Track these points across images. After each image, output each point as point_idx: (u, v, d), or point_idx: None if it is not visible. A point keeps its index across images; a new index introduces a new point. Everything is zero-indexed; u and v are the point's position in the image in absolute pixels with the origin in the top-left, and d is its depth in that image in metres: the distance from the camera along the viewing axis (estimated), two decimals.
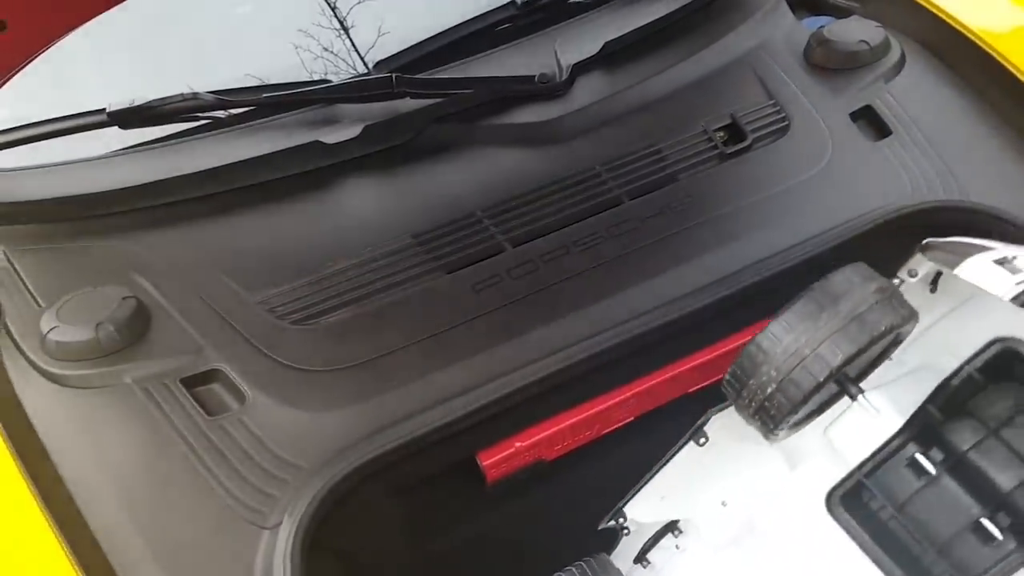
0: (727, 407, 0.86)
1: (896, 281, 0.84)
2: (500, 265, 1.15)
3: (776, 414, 0.72)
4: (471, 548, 1.25)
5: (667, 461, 0.91)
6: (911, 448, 0.72)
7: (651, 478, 0.91)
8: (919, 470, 0.72)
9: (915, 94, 1.33)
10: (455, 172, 1.28)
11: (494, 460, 1.10)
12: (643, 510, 0.93)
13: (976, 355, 0.73)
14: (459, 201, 1.22)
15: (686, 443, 0.91)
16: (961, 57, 1.36)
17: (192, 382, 1.05)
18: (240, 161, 1.22)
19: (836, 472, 0.74)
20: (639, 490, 0.92)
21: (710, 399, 1.27)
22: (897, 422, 0.73)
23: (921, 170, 1.23)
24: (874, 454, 0.73)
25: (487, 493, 1.12)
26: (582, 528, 1.37)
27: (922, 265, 0.85)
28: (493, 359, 1.07)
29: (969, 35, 1.36)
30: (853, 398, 0.74)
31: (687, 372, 1.19)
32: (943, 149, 1.25)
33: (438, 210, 1.21)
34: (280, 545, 0.91)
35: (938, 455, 0.72)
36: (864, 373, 0.76)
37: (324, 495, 0.95)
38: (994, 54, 1.31)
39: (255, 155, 1.22)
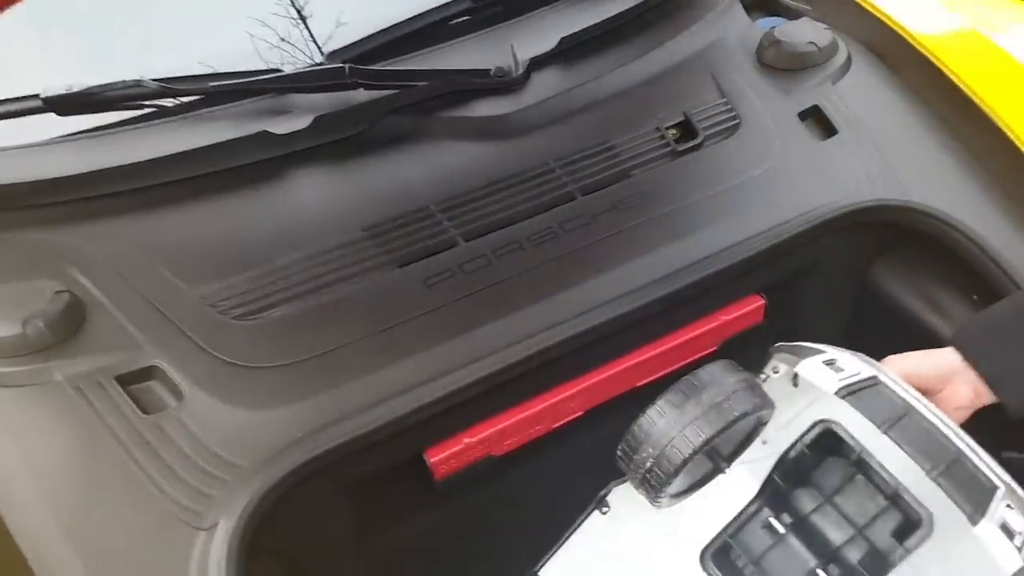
0: (626, 480, 0.96)
1: (762, 376, 1.00)
2: (452, 259, 1.14)
3: (656, 484, 0.87)
4: (421, 547, 1.24)
5: (573, 531, 1.02)
6: (766, 512, 0.87)
7: (560, 545, 1.02)
8: (771, 530, 0.86)
9: (860, 95, 1.35)
10: (408, 165, 1.26)
11: (442, 457, 1.08)
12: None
13: (804, 434, 0.89)
14: (412, 194, 1.21)
15: (590, 513, 1.01)
16: (903, 60, 1.39)
17: (128, 379, 1.01)
18: (185, 151, 1.18)
19: (707, 533, 0.87)
20: (551, 556, 1.02)
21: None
22: (752, 489, 0.87)
23: (865, 169, 1.25)
24: (737, 517, 0.87)
25: (436, 491, 1.11)
26: (533, 525, 1.37)
27: (782, 364, 1.00)
28: (443, 355, 1.05)
29: (910, 39, 1.39)
30: (722, 472, 0.89)
31: (635, 367, 1.19)
32: (886, 149, 1.28)
33: (390, 203, 1.20)
34: (216, 546, 0.88)
35: (787, 518, 0.87)
36: (736, 452, 0.90)
37: (264, 494, 0.92)
38: (933, 59, 1.35)
39: (200, 145, 1.19)
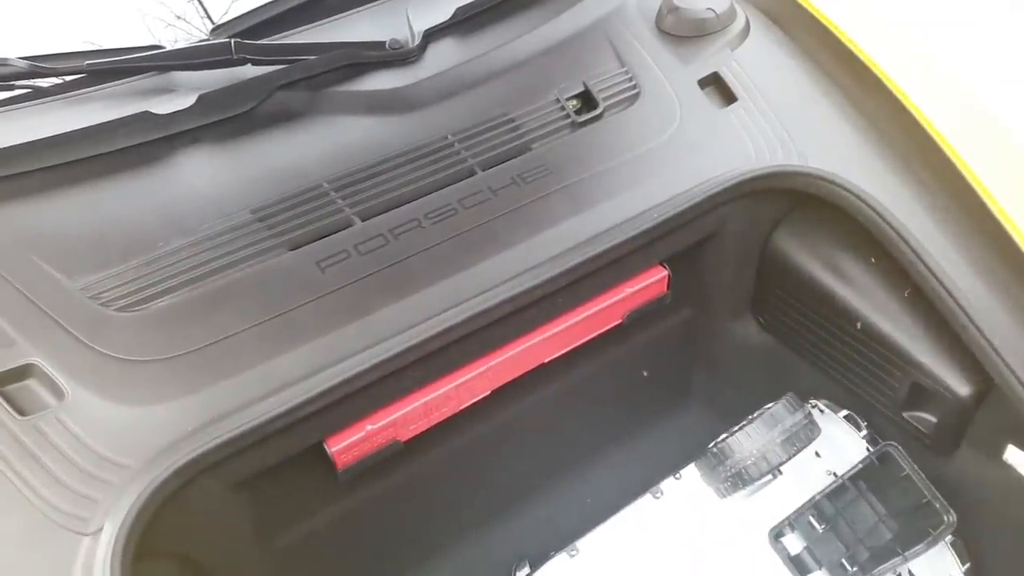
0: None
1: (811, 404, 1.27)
2: (347, 240, 1.10)
3: (739, 484, 1.17)
4: (328, 540, 1.21)
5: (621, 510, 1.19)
6: (812, 511, 1.16)
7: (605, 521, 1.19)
8: (814, 525, 1.15)
9: (759, 62, 1.36)
10: (300, 143, 1.21)
11: (343, 446, 1.05)
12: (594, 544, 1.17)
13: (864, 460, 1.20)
14: (304, 173, 1.16)
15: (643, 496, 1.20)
16: (800, 26, 1.40)
17: (2, 380, 0.95)
18: (60, 134, 1.11)
19: (771, 520, 1.16)
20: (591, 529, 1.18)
21: (566, 369, 1.29)
22: (805, 492, 1.18)
23: (764, 136, 1.26)
24: (793, 512, 1.16)
25: (339, 481, 1.08)
26: (444, 508, 1.36)
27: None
28: (339, 340, 1.02)
29: (807, 5, 1.40)
30: (777, 476, 1.19)
31: (542, 343, 1.18)
32: (784, 115, 1.29)
33: (281, 183, 1.15)
34: (101, 552, 0.84)
35: (828, 517, 1.16)
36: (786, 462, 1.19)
37: (151, 494, 0.88)
38: (829, 25, 1.36)
39: (78, 127, 1.12)
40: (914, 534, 1.12)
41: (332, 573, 1.25)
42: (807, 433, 1.16)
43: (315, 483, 1.12)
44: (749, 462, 1.14)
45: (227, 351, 1.00)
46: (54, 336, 0.99)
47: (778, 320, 1.41)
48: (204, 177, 1.16)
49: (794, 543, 1.13)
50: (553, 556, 1.17)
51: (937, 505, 1.12)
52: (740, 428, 1.18)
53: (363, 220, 1.12)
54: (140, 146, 1.16)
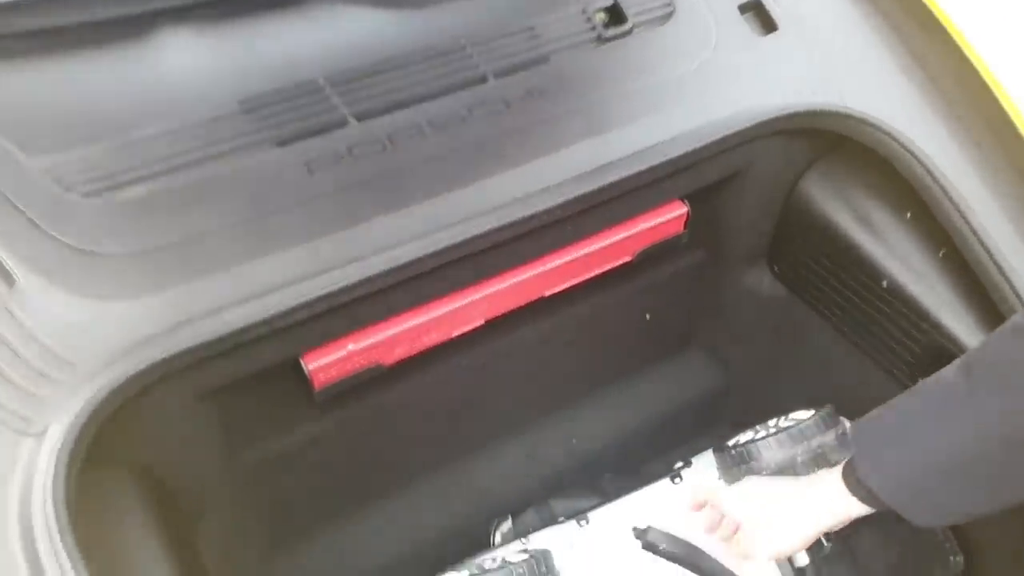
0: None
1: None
2: (341, 141, 0.99)
3: None
4: (301, 459, 1.14)
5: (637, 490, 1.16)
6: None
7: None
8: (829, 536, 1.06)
9: None
10: (298, 31, 1.09)
11: (321, 364, 0.97)
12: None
13: None
14: (299, 65, 1.04)
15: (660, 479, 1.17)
16: None
17: None
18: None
19: None
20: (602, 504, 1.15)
21: (565, 305, 1.20)
22: None
23: (804, 70, 1.15)
24: None
25: (316, 401, 1.00)
26: (426, 441, 1.29)
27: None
28: (325, 249, 0.92)
29: None
30: None
31: (544, 275, 1.09)
32: (828, 50, 1.18)
33: (273, 74, 1.03)
34: (44, 455, 0.76)
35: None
36: None
37: (104, 398, 0.80)
38: None
39: None
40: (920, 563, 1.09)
41: (302, 495, 1.19)
42: (836, 455, 1.06)
43: (289, 400, 1.04)
44: (767, 472, 1.06)
45: (200, 250, 0.91)
46: (7, 217, 0.89)
47: (795, 271, 1.33)
48: (189, 60, 1.04)
49: (800, 556, 1.07)
50: (562, 522, 1.12)
51: (947, 545, 1.10)
52: (768, 435, 1.10)
53: (360, 121, 1.01)
54: (120, 19, 1.04)
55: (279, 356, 0.95)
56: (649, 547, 1.05)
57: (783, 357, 1.41)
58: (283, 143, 0.99)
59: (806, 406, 1.16)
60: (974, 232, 1.02)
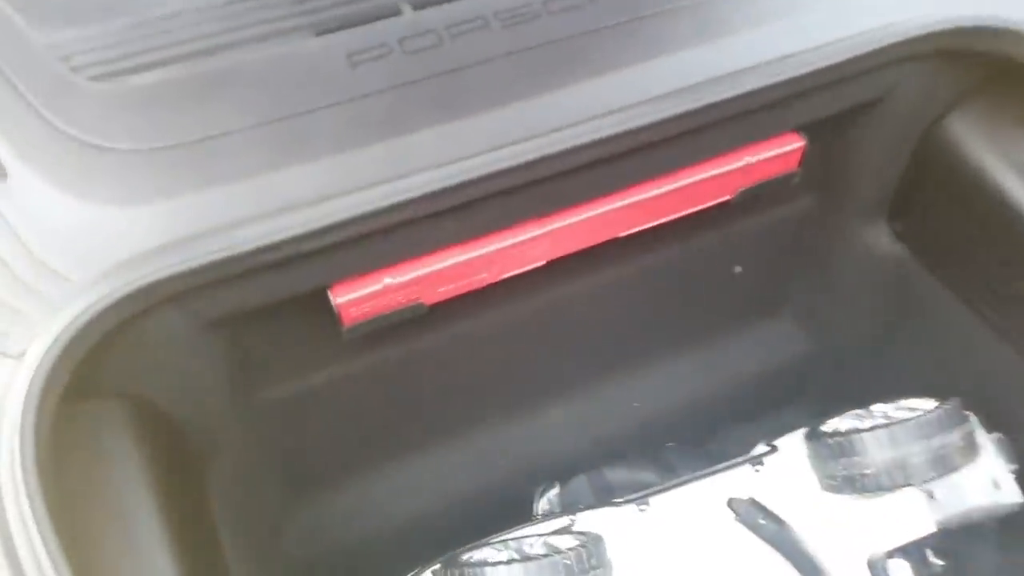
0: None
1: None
2: (391, 32, 0.83)
3: (860, 488, 0.93)
4: (323, 404, 1.00)
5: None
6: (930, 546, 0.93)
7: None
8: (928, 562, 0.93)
9: None
10: None
11: (353, 298, 0.82)
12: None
13: None
14: None
15: (738, 464, 1.01)
16: None
17: None
18: None
19: (884, 545, 0.93)
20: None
21: (642, 249, 1.02)
22: (929, 524, 0.92)
23: None
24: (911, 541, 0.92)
25: (343, 339, 0.86)
26: (466, 394, 1.13)
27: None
28: (364, 161, 0.77)
29: None
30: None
31: (622, 212, 0.91)
32: None
33: None
34: (22, 378, 0.64)
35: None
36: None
37: (95, 317, 0.68)
38: None
39: None
40: None
41: (325, 442, 1.07)
42: (961, 457, 0.90)
43: (315, 337, 0.90)
44: (872, 470, 0.90)
45: (220, 151, 0.77)
46: (4, 98, 0.76)
47: (922, 230, 1.12)
48: None
49: (901, 573, 0.91)
50: (621, 504, 0.98)
51: None
52: (876, 425, 0.93)
53: (415, 9, 0.84)
54: None
55: (304, 285, 0.81)
56: (747, 522, 0.93)
57: (895, 333, 1.21)
58: (323, 31, 0.83)
59: (920, 394, 0.97)
60: None
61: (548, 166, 0.80)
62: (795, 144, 0.96)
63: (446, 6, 0.85)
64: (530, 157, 0.78)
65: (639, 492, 1.02)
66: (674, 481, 1.00)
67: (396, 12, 0.84)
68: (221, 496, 0.89)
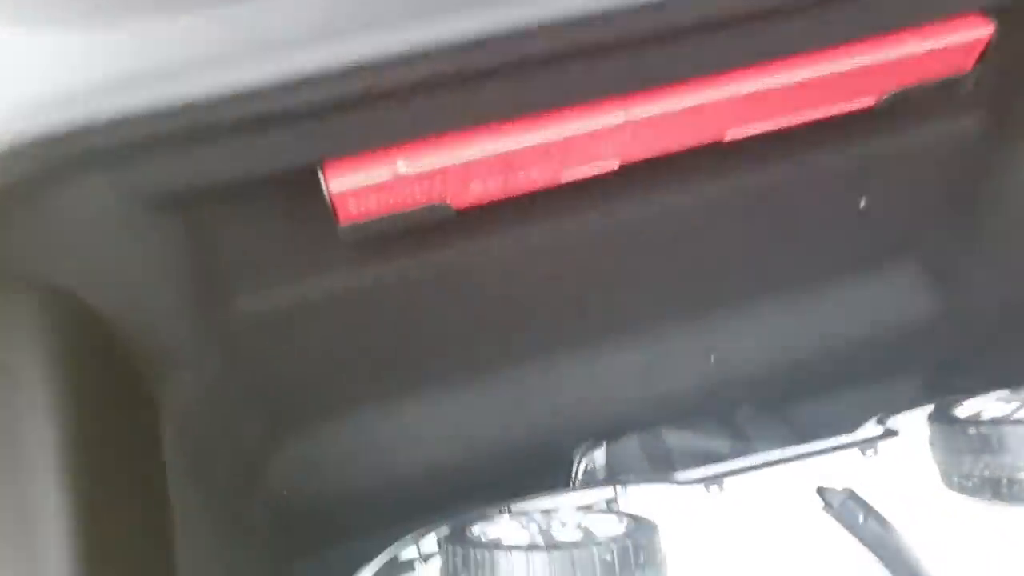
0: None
1: None
2: None
3: (1008, 496, 0.72)
4: (312, 320, 0.80)
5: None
6: None
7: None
8: None
9: None
10: None
11: (353, 187, 0.61)
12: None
13: None
14: None
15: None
16: None
17: None
18: None
19: None
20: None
21: (743, 161, 0.78)
22: None
23: None
24: None
25: (338, 241, 0.65)
26: (498, 328, 0.91)
27: None
28: None
29: None
30: None
31: (732, 103, 0.67)
32: None
33: None
34: None
35: None
36: None
37: None
38: None
39: None
40: None
41: (313, 369, 0.87)
42: None
43: (300, 235, 0.70)
44: None
45: None
46: None
47: None
48: None
49: None
50: (685, 483, 0.77)
51: None
52: None
53: None
54: None
55: (287, 160, 0.59)
56: (843, 520, 0.74)
57: None
58: None
59: None
60: None
61: (640, 22, 0.56)
62: (979, 32, 0.70)
63: None
64: (614, 4, 0.55)
65: (705, 466, 0.81)
66: (758, 459, 0.79)
67: None
68: (176, 430, 0.70)
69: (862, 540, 0.74)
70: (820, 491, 0.78)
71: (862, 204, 0.92)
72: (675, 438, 0.98)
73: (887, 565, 0.72)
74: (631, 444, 0.97)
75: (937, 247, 1.02)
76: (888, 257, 1.03)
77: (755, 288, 1.00)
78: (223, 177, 0.59)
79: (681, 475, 0.77)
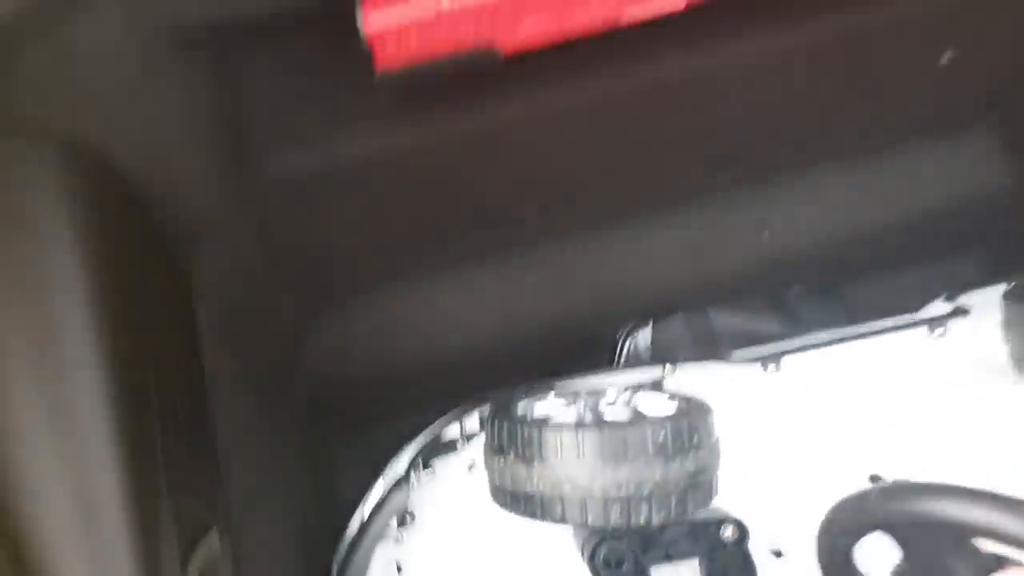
0: None
1: None
2: None
3: None
4: (348, 184, 0.74)
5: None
6: None
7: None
8: None
9: None
10: None
11: (392, 26, 0.54)
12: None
13: None
14: None
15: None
16: None
17: None
18: None
19: None
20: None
21: (815, 10, 0.69)
22: None
23: None
24: None
25: (377, 92, 0.58)
26: (543, 197, 0.84)
27: None
28: None
29: None
30: None
31: None
32: None
33: None
34: None
35: None
36: None
37: None
38: None
39: None
40: None
41: (349, 240, 0.81)
42: None
43: (333, 82, 0.63)
44: None
45: None
46: None
47: None
48: None
49: None
50: (740, 362, 0.73)
51: None
52: None
53: None
54: None
55: None
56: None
57: None
58: None
59: None
60: None
61: None
62: None
63: None
64: None
65: (759, 345, 0.77)
66: (818, 338, 0.74)
67: None
68: (209, 303, 0.66)
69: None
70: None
71: (944, 59, 0.82)
72: (723, 319, 0.93)
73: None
74: (677, 324, 0.92)
75: (1018, 113, 0.92)
76: (964, 123, 0.95)
77: (814, 155, 0.92)
78: (251, 9, 0.51)
79: (736, 353, 0.73)
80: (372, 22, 0.53)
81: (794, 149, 0.89)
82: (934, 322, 0.74)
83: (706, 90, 0.76)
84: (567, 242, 0.90)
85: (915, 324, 0.74)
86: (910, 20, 0.77)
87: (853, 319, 0.86)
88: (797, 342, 0.74)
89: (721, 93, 0.77)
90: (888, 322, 0.75)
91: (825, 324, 0.88)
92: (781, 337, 0.82)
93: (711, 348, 0.91)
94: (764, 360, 0.72)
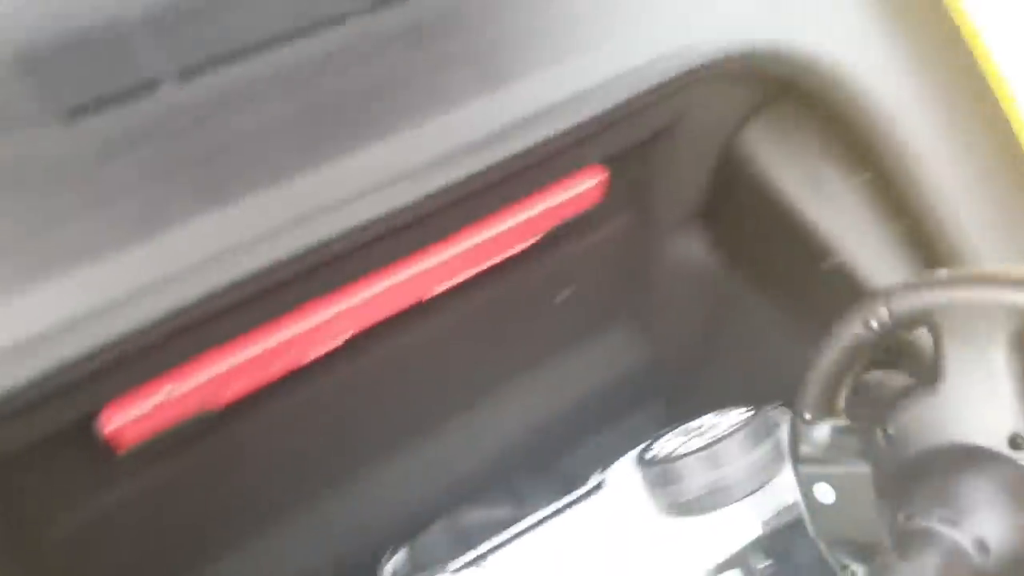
0: None
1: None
2: (153, 109, 0.72)
3: (685, 511, 0.94)
4: (112, 526, 0.90)
5: None
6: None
7: None
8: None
9: None
10: None
11: (125, 422, 0.73)
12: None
13: None
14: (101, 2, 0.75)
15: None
16: None
17: None
18: None
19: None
20: None
21: (460, 299, 0.98)
22: None
23: (742, 2, 0.92)
24: None
25: (121, 460, 0.76)
26: (279, 483, 1.05)
27: None
28: (123, 267, 0.67)
29: None
30: None
31: (425, 274, 0.86)
32: None
33: (65, 13, 0.73)
34: None
35: None
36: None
37: None
38: None
39: None
40: None
41: (131, 563, 0.96)
42: (776, 464, 0.92)
43: (80, 465, 0.80)
44: (699, 494, 0.90)
45: None
46: None
47: (733, 238, 1.14)
48: None
49: None
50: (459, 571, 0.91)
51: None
52: (700, 449, 0.91)
53: (183, 79, 0.73)
54: None
55: (62, 419, 0.70)
56: None
57: (718, 340, 1.24)
58: (74, 113, 0.70)
59: (743, 400, 0.99)
60: (940, 206, 0.84)
61: (336, 245, 0.73)
62: (599, 177, 0.95)
63: (218, 71, 0.74)
64: (315, 238, 0.71)
65: (492, 534, 0.97)
66: (507, 535, 0.95)
67: (160, 84, 0.73)
68: None
69: None
70: None
71: (560, 298, 1.16)
72: (469, 516, 1.15)
73: None
74: (435, 533, 1.12)
75: (634, 312, 1.28)
76: (602, 325, 1.29)
77: (504, 375, 1.21)
78: (18, 443, 0.67)
79: (452, 564, 0.92)
80: (109, 426, 0.71)
81: (476, 382, 1.17)
82: (586, 495, 0.97)
83: (389, 373, 1.02)
84: (311, 506, 1.08)
85: (576, 501, 0.98)
86: (523, 290, 1.09)
87: (568, 485, 1.11)
88: (497, 539, 0.96)
89: (405, 370, 1.03)
90: (549, 509, 0.97)
91: (544, 497, 1.12)
92: (511, 521, 1.04)
93: (466, 546, 1.11)
94: (474, 564, 0.92)
